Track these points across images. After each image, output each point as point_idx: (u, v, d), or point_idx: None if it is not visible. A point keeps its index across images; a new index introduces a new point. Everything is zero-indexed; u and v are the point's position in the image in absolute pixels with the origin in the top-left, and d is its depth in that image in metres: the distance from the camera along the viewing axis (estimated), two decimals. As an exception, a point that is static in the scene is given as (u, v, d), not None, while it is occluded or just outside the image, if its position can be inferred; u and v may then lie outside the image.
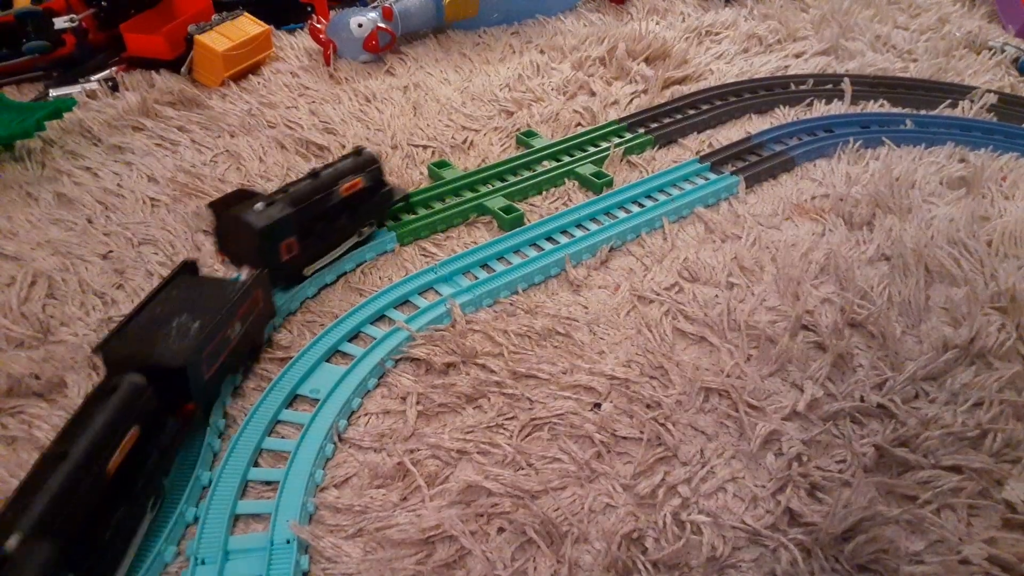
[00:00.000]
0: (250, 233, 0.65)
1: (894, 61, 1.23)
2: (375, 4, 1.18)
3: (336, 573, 0.49)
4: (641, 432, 0.58)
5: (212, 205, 0.68)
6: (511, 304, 0.71)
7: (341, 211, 0.72)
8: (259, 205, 0.66)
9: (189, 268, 0.63)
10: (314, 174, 0.71)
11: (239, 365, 0.62)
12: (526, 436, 0.58)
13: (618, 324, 0.69)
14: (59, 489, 0.43)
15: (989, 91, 1.11)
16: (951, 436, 0.58)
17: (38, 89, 1.07)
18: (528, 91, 1.09)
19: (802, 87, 1.12)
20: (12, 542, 0.40)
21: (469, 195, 0.85)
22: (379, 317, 0.69)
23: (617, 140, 0.96)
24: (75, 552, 0.43)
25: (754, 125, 1.02)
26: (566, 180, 0.90)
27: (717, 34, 1.30)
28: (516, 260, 0.76)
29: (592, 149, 0.95)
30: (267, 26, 1.14)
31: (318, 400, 0.60)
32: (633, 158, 0.94)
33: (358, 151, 0.76)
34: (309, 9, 1.27)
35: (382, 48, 1.16)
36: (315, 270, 0.71)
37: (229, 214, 0.67)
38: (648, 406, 0.60)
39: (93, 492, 0.45)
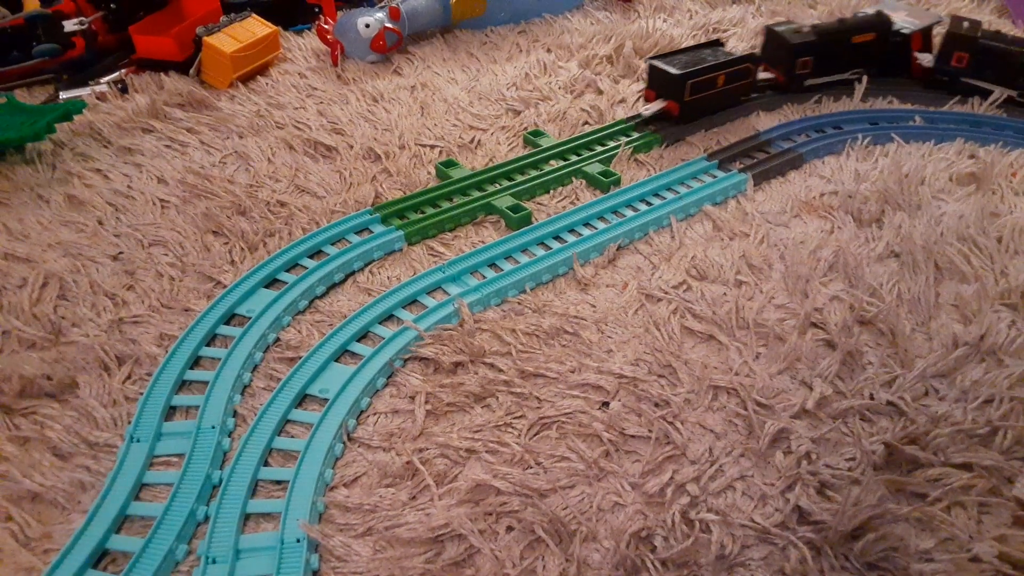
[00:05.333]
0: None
1: (903, 57, 1.23)
2: (382, 4, 1.19)
3: (346, 572, 0.49)
4: (649, 431, 0.58)
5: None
6: (519, 303, 0.71)
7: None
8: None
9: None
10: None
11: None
12: (534, 435, 0.58)
13: (626, 323, 0.69)
14: (820, 32, 1.02)
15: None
16: (961, 433, 0.58)
17: (48, 92, 1.08)
18: (535, 90, 1.09)
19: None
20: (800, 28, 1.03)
21: (477, 194, 0.85)
22: (387, 317, 0.69)
23: (625, 138, 0.96)
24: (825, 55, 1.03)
25: (762, 122, 1.02)
26: (573, 179, 0.90)
27: (725, 31, 1.29)
28: (524, 259, 0.76)
29: (599, 148, 0.95)
30: (275, 27, 1.15)
31: (327, 400, 0.60)
32: (641, 156, 0.94)
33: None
34: (316, 10, 1.27)
35: (389, 48, 1.16)
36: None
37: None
38: (656, 404, 0.60)
39: (839, 44, 1.02)
